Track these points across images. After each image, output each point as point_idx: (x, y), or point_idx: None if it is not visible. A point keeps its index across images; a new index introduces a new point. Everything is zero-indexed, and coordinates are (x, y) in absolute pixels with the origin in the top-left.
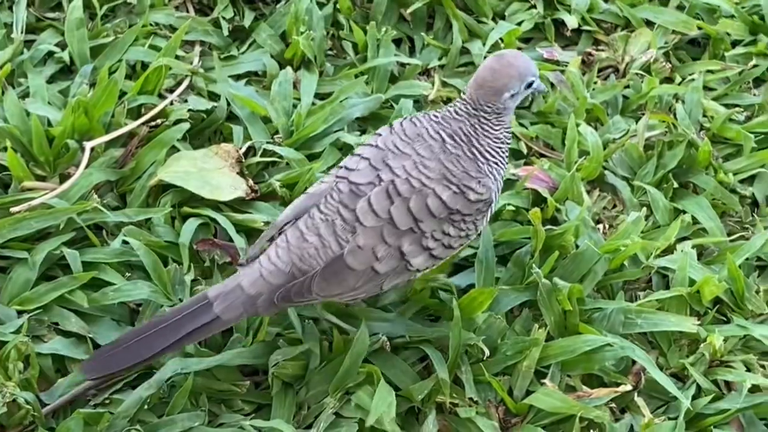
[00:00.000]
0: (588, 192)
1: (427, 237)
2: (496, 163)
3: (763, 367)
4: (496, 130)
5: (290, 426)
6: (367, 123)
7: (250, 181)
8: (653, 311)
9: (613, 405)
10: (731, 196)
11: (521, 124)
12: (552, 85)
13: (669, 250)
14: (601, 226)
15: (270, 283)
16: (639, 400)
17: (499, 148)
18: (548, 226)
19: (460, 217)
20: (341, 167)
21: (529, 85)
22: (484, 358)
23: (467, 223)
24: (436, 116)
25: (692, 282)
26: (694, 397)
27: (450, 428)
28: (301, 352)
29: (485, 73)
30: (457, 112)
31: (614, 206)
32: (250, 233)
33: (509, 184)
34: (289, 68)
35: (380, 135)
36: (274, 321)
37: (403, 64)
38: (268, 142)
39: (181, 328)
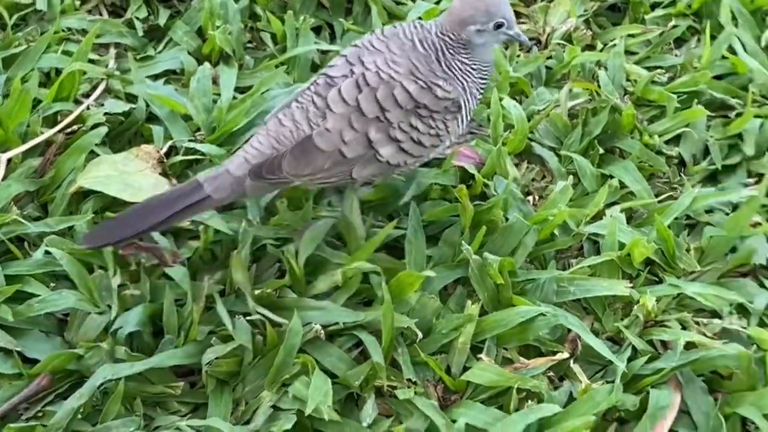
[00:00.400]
0: (516, 165)
1: (394, 127)
2: (465, 80)
3: (697, 324)
4: (464, 60)
5: (227, 423)
6: None
7: (173, 181)
8: (585, 278)
9: (552, 374)
10: (657, 157)
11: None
12: None
13: (599, 216)
14: (531, 197)
15: (252, 164)
16: (575, 367)
17: (469, 73)
18: (477, 202)
19: (428, 113)
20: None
21: (498, 26)
22: (418, 339)
23: (436, 122)
24: (416, 25)
25: (622, 246)
26: (631, 359)
27: (390, 410)
28: (234, 348)
29: (456, 2)
30: (431, 28)
31: (543, 177)
32: (177, 233)
33: (436, 163)
34: (207, 64)
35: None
36: (206, 320)
37: (324, 52)
38: (189, 140)
39: (174, 205)
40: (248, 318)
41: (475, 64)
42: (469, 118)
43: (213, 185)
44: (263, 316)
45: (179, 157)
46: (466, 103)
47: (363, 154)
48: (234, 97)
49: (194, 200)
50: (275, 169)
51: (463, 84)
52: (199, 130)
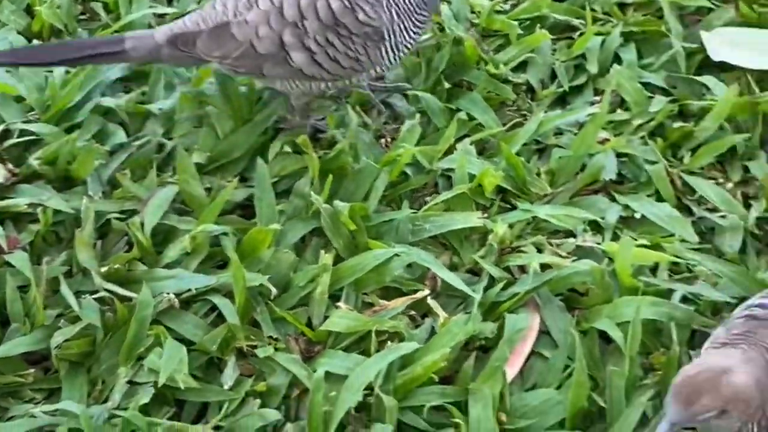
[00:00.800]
0: (367, 111)
1: (309, 37)
2: (395, 12)
3: (552, 245)
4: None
5: (80, 405)
6: (131, 82)
7: (9, 165)
8: (440, 213)
9: (414, 312)
10: (504, 86)
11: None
12: None
13: (450, 152)
14: (383, 141)
15: (173, 33)
16: (433, 303)
17: (401, 6)
18: (326, 151)
19: (347, 33)
20: None
21: None
22: (272, 296)
23: (355, 45)
24: None
25: (473, 178)
26: (489, 288)
27: (253, 370)
28: (83, 328)
29: None
30: None
31: (396, 119)
32: (17, 218)
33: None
34: (37, 42)
35: None
36: (53, 303)
37: (160, 15)
38: (23, 122)
39: (90, 48)
40: (96, 296)
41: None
42: (399, 53)
43: (133, 43)
44: (111, 292)
45: (13, 140)
46: (391, 36)
47: (274, 53)
48: (67, 72)
49: (111, 50)
50: (190, 44)
51: (392, 15)
52: (32, 110)
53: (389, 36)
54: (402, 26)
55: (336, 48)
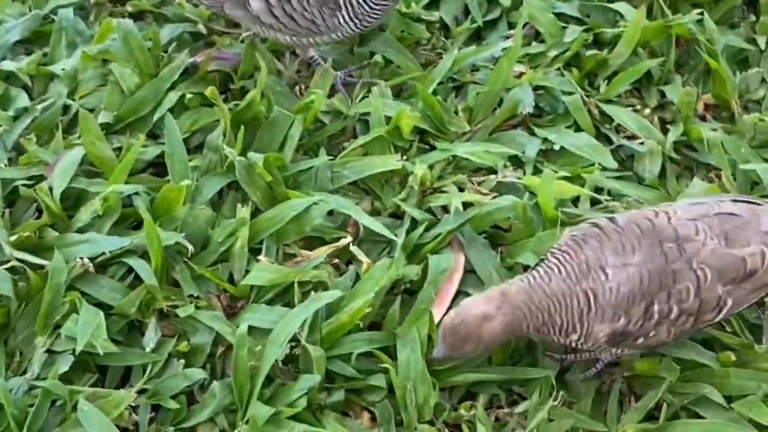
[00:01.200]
0: (279, 59)
1: None
2: None
3: (473, 183)
4: None
5: None
6: (33, 44)
7: None
8: (358, 159)
9: (337, 260)
10: (417, 25)
11: (195, 5)
12: None
13: (367, 95)
14: (297, 88)
15: None
16: (355, 249)
17: None
18: (237, 102)
19: None
20: None
21: None
22: (190, 253)
23: (311, 8)
24: None
25: (390, 120)
26: (411, 231)
27: (176, 330)
28: None
29: None
30: None
31: (309, 66)
32: None
33: (190, 71)
34: None
35: None
36: None
37: None
38: None
39: None
40: (7, 266)
41: None
42: (361, 24)
43: None
44: (22, 261)
45: None
46: (348, 6)
47: None
48: None
49: None
50: None
51: None
52: None
53: (346, 5)
54: (357, 15)
55: (292, 5)
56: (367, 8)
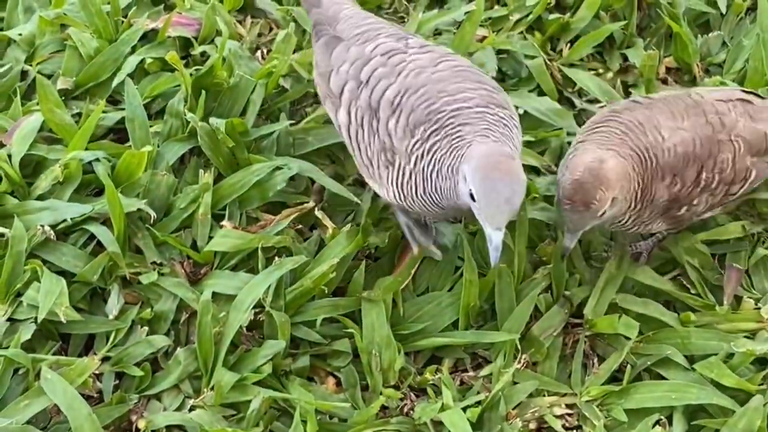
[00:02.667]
0: (240, 22)
1: (355, 104)
2: (415, 162)
3: None
4: (429, 169)
5: None
6: None
7: None
8: (321, 125)
9: (301, 226)
10: None
11: None
12: None
13: None
14: (259, 53)
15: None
16: (320, 214)
17: (416, 177)
18: (198, 67)
19: (376, 127)
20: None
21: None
22: (152, 220)
23: (374, 146)
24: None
25: None
26: (377, 197)
27: (139, 297)
28: None
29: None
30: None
31: (271, 30)
32: None
33: (150, 36)
34: None
35: None
36: None
37: None
38: None
39: None
40: None
41: (430, 187)
42: (405, 199)
43: None
44: None
45: None
46: (400, 172)
47: (334, 95)
48: None
49: None
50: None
51: (410, 155)
52: None
53: (398, 168)
54: (414, 182)
55: (364, 132)
56: (414, 193)
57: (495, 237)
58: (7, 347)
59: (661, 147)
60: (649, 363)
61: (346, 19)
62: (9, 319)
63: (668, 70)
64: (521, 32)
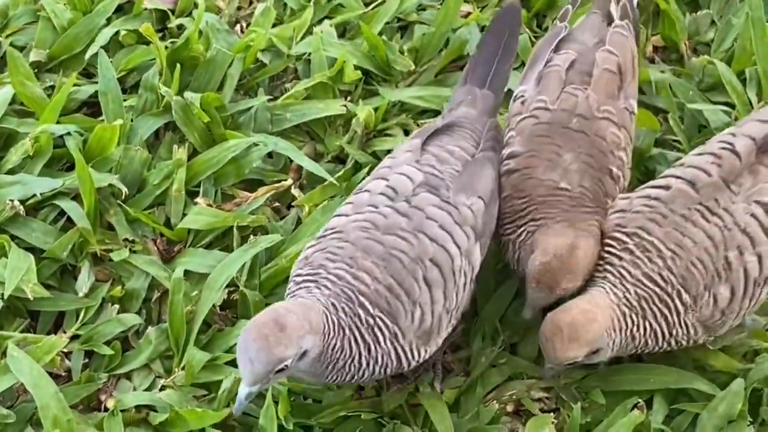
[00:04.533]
0: None
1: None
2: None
3: (419, 125)
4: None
5: None
6: None
7: None
8: (300, 102)
9: (278, 203)
10: None
11: None
12: None
13: (310, 35)
14: (238, 27)
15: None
16: (296, 192)
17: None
18: (174, 40)
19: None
20: None
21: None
22: (124, 195)
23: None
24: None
25: (333, 61)
26: (355, 172)
27: (110, 275)
28: None
29: None
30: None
31: (251, 3)
32: None
33: (126, 8)
34: None
35: None
36: None
37: None
38: None
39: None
40: None
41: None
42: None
43: None
44: None
45: None
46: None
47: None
48: None
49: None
50: None
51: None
52: None
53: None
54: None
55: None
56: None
57: None
58: None
59: None
60: None
61: None
62: None
63: (655, 48)
64: None
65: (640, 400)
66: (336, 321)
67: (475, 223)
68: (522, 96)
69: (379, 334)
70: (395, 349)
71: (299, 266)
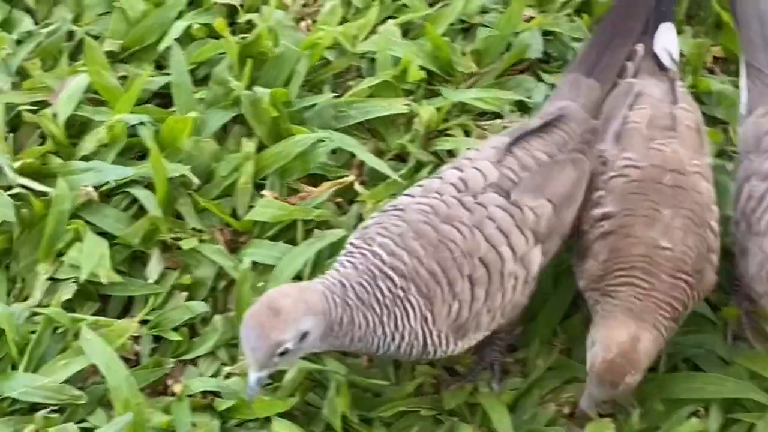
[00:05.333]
0: None
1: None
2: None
3: (479, 127)
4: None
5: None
6: None
7: None
8: (364, 99)
9: (341, 199)
10: None
11: None
12: None
13: (374, 33)
14: (304, 24)
15: None
16: (359, 188)
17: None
18: (243, 35)
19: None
20: None
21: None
22: (194, 186)
23: None
24: None
25: (397, 61)
26: (416, 171)
27: (179, 263)
28: None
29: None
30: None
31: (315, 1)
32: None
33: (197, 1)
34: None
35: None
36: None
37: None
38: None
39: None
40: (11, 192)
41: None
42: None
43: None
44: (25, 187)
45: None
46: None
47: None
48: None
49: None
50: None
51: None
52: None
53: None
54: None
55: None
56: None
57: None
58: (47, 306)
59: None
60: (686, 354)
61: None
62: (50, 279)
63: (715, 59)
64: (569, 14)
65: (700, 409)
66: (341, 298)
67: (537, 227)
68: (601, 156)
69: (410, 309)
70: (423, 332)
71: (357, 234)
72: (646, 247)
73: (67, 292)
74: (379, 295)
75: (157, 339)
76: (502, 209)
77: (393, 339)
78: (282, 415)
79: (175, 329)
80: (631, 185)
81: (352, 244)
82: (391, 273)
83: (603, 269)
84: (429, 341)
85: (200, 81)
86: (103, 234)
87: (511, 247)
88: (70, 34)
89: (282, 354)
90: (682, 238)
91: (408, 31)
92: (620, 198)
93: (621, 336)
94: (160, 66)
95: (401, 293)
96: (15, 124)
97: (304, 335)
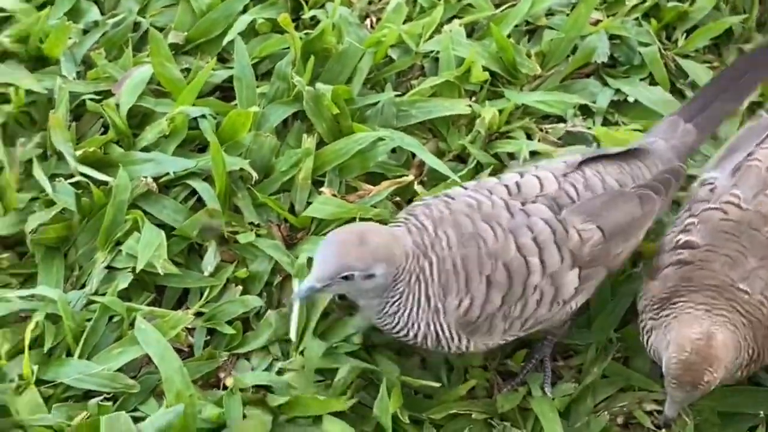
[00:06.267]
0: None
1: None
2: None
3: (542, 130)
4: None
5: (57, 290)
6: None
7: None
8: (426, 99)
9: (399, 198)
10: None
11: None
12: None
13: (438, 32)
14: (368, 21)
15: None
16: (419, 188)
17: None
18: (309, 31)
19: None
20: None
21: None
22: (254, 180)
23: None
24: None
25: (461, 61)
26: (476, 172)
27: (235, 256)
28: (60, 212)
29: None
30: None
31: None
32: None
33: None
34: None
35: None
36: (28, 187)
37: None
38: None
39: None
40: (72, 180)
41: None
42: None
43: None
44: (86, 176)
45: None
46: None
47: None
48: None
49: None
50: None
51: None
52: None
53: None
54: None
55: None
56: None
57: None
58: (103, 294)
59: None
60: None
61: None
62: (107, 267)
63: None
64: (637, 18)
65: (757, 424)
66: (415, 264)
67: (579, 251)
68: (712, 183)
69: (430, 294)
70: (434, 323)
71: (408, 209)
72: (721, 282)
73: (123, 281)
74: (420, 276)
75: (211, 332)
76: (544, 222)
77: (413, 325)
78: (333, 413)
79: (229, 323)
80: (726, 224)
81: (401, 216)
82: (433, 257)
83: (669, 292)
84: (440, 333)
85: (263, 76)
86: (161, 225)
87: (542, 261)
88: (136, 25)
89: (344, 278)
90: (762, 288)
91: (473, 31)
92: (710, 232)
93: (694, 332)
94: (223, 59)
95: (435, 279)
96: (78, 113)
97: (371, 276)
